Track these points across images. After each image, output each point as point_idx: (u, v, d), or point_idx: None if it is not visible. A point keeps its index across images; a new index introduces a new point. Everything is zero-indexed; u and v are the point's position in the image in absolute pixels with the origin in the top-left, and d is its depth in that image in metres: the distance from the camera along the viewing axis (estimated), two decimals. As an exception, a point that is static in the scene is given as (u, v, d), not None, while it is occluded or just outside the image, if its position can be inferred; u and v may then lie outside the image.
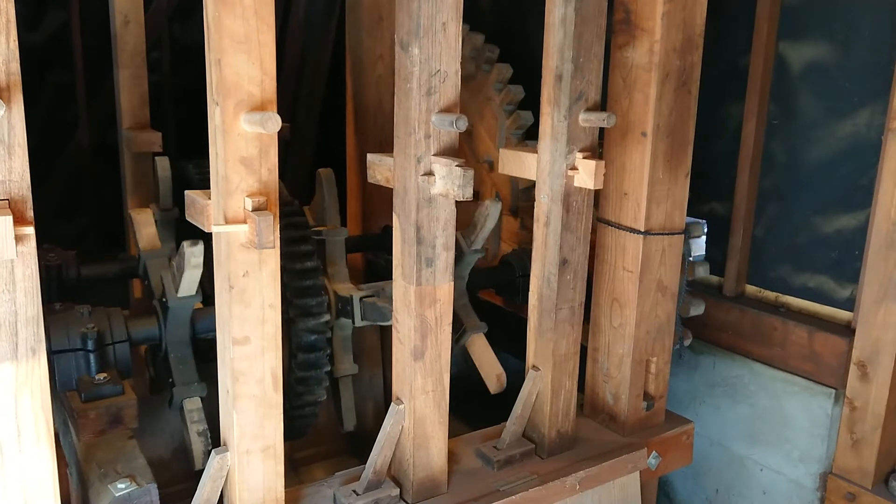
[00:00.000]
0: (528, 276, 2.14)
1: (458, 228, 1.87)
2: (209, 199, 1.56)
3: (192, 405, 2.11)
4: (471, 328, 2.47)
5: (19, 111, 1.33)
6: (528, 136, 2.76)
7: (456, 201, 1.75)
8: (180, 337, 2.12)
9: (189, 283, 1.96)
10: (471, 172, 1.63)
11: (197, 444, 2.09)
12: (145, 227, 2.43)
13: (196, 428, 2.09)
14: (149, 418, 2.30)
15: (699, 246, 2.76)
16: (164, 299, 2.09)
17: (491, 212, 2.34)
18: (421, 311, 1.79)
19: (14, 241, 1.31)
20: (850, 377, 2.33)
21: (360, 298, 2.31)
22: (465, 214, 2.70)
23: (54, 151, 3.83)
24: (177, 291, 2.00)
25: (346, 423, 2.51)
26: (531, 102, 2.66)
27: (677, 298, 2.30)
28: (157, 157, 2.51)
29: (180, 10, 3.95)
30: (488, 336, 2.49)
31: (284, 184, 2.23)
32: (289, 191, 2.59)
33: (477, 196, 3.00)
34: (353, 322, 2.33)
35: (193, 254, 1.85)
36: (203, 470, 1.75)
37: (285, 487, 1.77)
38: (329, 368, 2.31)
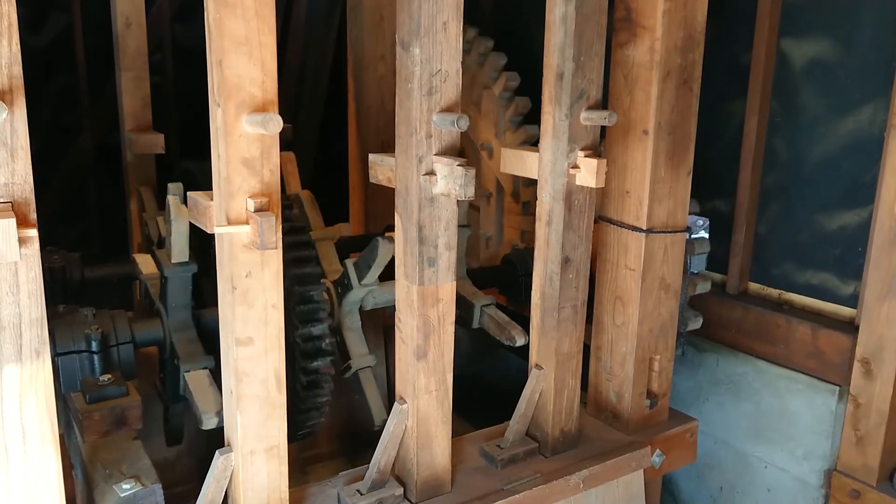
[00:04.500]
0: (531, 274, 2.14)
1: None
2: (211, 200, 1.56)
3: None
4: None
5: (22, 114, 1.34)
6: (527, 122, 2.79)
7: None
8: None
9: None
10: (472, 172, 1.63)
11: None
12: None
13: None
14: (153, 419, 2.31)
15: (701, 259, 2.72)
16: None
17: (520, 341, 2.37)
18: (424, 310, 1.80)
19: (18, 243, 1.32)
20: (854, 374, 2.33)
21: (356, 371, 2.32)
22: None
23: (57, 154, 3.85)
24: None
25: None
26: (534, 106, 2.67)
27: (680, 297, 2.30)
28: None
29: (182, 12, 3.97)
30: (488, 338, 2.49)
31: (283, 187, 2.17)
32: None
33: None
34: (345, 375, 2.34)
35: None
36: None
37: (290, 487, 1.77)
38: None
